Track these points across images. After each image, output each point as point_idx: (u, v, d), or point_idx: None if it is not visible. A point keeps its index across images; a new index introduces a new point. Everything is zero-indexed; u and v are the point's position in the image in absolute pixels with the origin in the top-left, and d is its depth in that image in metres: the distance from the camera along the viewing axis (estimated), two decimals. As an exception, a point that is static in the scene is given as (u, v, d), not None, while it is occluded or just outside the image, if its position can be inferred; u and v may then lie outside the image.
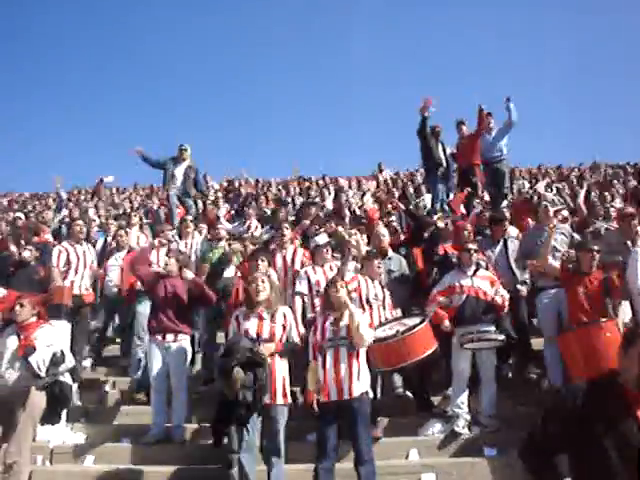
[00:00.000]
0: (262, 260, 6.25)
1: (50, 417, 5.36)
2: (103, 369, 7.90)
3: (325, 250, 6.56)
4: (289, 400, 5.14)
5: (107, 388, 7.35)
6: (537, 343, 7.13)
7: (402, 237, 8.07)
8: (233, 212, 12.47)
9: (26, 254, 7.64)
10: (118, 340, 8.33)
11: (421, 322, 5.58)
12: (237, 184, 16.20)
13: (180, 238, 8.46)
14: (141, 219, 10.28)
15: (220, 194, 14.36)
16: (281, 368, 5.16)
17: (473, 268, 6.13)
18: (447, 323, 5.91)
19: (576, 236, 7.10)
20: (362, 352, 5.00)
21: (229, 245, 7.56)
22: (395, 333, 5.46)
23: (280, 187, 16.11)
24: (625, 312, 6.03)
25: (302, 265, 6.90)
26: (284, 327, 5.25)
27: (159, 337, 6.11)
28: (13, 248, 8.01)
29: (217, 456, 5.17)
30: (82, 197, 14.76)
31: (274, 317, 5.24)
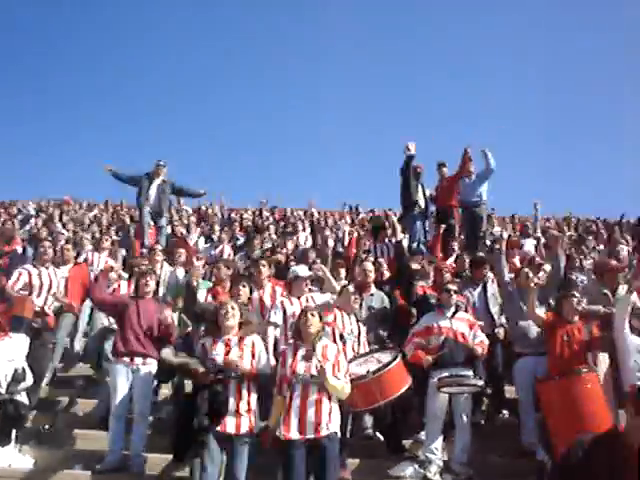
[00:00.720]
0: (243, 286, 6.05)
1: (1, 438, 5.02)
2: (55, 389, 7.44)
3: (305, 282, 6.37)
4: (252, 431, 4.90)
5: (60, 408, 6.96)
6: (509, 390, 7.07)
7: (386, 274, 7.92)
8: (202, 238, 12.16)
9: None
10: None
11: (394, 359, 5.40)
12: (208, 210, 15.92)
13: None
14: (113, 243, 9.90)
15: (193, 219, 14.08)
16: (248, 398, 4.93)
17: (452, 310, 6.04)
18: (429, 358, 5.77)
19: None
20: None
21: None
22: (366, 373, 5.27)
23: (255, 215, 15.86)
24: (604, 363, 5.92)
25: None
26: (253, 355, 5.05)
27: (126, 360, 5.80)
28: None
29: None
30: (50, 209, 14.24)
31: (241, 344, 5.05)
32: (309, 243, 11.49)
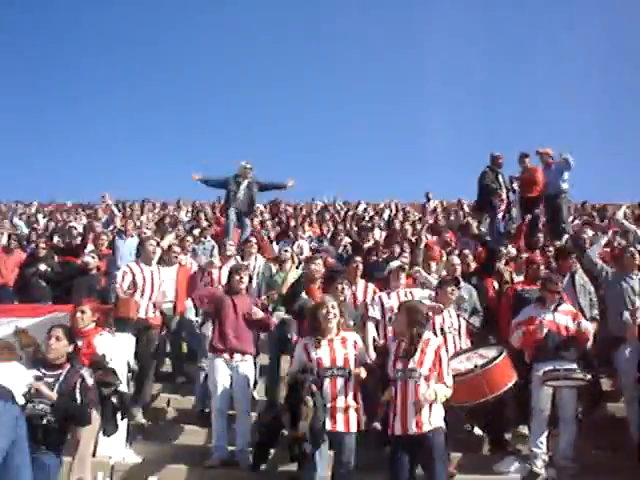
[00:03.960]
0: (344, 283, 6.08)
1: (109, 428, 5.21)
2: (157, 385, 7.67)
3: (398, 274, 6.38)
4: (360, 427, 4.98)
5: (164, 406, 7.19)
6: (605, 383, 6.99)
7: (473, 266, 7.86)
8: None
9: (89, 260, 7.52)
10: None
11: (500, 353, 5.37)
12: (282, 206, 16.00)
13: (242, 259, 8.27)
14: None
15: (267, 215, 14.25)
16: (354, 394, 5.00)
17: (555, 303, 5.94)
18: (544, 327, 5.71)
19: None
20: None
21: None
22: (474, 367, 5.25)
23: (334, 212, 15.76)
24: None
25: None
26: (356, 354, 5.09)
27: (226, 356, 5.94)
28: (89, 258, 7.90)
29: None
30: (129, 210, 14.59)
31: (345, 343, 5.09)
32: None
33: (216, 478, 5.59)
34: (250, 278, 6.65)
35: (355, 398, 5.02)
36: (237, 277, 6.19)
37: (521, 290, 6.81)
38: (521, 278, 7.42)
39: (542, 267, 7.02)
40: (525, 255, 8.20)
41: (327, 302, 5.20)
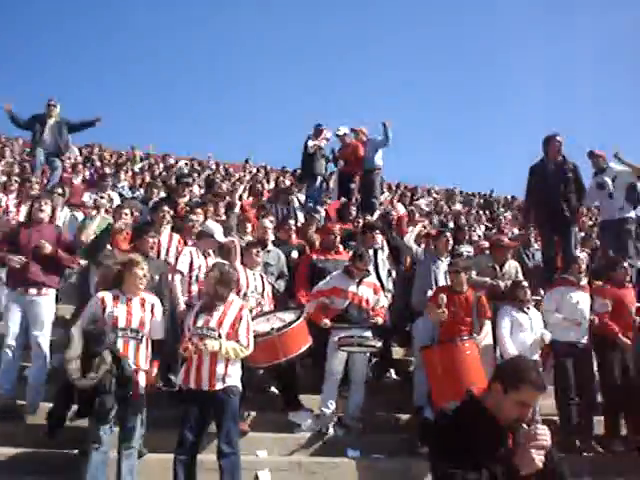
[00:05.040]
0: (152, 237, 5.91)
1: None
2: None
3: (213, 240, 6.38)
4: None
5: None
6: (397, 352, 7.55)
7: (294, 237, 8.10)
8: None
9: None
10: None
11: (297, 318, 5.57)
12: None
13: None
14: None
15: (80, 159, 13.44)
16: (146, 354, 4.90)
17: (362, 276, 6.22)
18: (327, 321, 5.98)
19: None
20: None
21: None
22: (270, 330, 5.40)
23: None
24: (487, 332, 6.39)
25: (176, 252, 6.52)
26: (152, 315, 4.95)
27: (20, 289, 5.53)
28: None
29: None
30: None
31: (144, 306, 4.93)
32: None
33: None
34: (53, 210, 6.12)
35: (146, 360, 4.89)
36: (36, 205, 5.78)
37: (316, 259, 6.96)
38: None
39: (335, 236, 7.20)
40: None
41: (139, 262, 4.95)
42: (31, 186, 7.85)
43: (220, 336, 4.75)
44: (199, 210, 7.22)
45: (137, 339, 4.80)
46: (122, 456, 4.61)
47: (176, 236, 6.74)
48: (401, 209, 11.32)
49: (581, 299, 6.59)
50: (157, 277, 5.75)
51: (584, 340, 6.51)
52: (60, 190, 8.11)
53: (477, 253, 8.36)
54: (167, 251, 6.54)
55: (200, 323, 4.81)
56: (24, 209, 6.69)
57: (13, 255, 5.48)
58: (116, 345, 4.66)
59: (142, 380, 4.80)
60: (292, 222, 8.29)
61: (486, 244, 8.48)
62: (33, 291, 5.52)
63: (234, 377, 4.81)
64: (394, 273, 7.49)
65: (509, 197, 18.51)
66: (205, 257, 6.19)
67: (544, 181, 8.23)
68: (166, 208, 6.91)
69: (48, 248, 5.53)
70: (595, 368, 6.62)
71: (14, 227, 5.88)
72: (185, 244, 6.64)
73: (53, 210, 6.01)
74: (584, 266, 6.84)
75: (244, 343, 4.86)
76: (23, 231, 5.69)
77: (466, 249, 8.45)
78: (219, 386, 4.70)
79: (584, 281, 6.80)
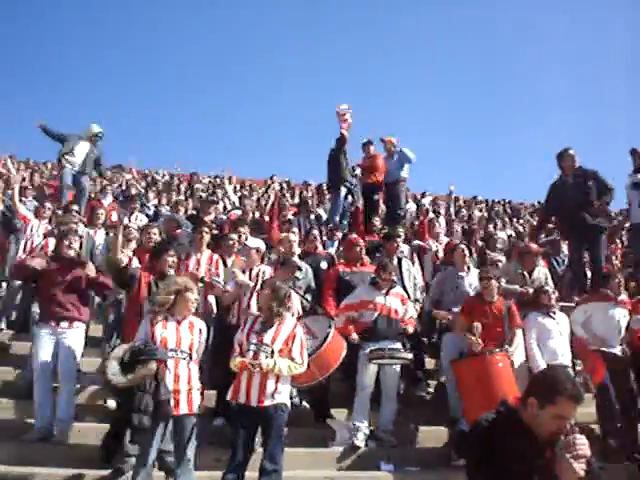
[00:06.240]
0: (171, 256, 5.89)
1: None
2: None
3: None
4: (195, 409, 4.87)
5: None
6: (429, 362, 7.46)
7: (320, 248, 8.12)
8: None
9: None
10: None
11: (327, 332, 5.53)
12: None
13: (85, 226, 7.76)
14: None
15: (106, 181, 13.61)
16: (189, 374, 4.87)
17: (388, 286, 6.21)
18: (355, 336, 5.95)
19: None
20: None
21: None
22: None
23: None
24: (519, 343, 6.27)
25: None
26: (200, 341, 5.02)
27: (52, 324, 5.60)
28: None
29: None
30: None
31: (192, 328, 4.98)
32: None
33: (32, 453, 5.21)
34: (81, 245, 6.25)
35: (198, 380, 4.92)
36: (66, 242, 5.85)
37: (342, 272, 6.93)
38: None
39: (360, 247, 7.16)
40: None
41: (193, 288, 5.03)
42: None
43: (273, 352, 4.76)
44: (242, 229, 7.31)
45: (187, 360, 4.85)
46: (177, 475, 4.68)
47: (216, 256, 6.74)
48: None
49: (617, 314, 6.54)
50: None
51: (619, 351, 6.44)
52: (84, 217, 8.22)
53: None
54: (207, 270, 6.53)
55: (254, 339, 4.83)
56: (52, 241, 6.72)
57: (31, 259, 5.74)
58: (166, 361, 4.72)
59: (197, 398, 4.83)
60: (316, 232, 8.20)
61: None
62: (64, 324, 5.61)
63: (284, 394, 4.81)
64: (420, 279, 7.42)
65: (536, 203, 18.29)
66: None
67: (565, 194, 8.15)
68: (205, 229, 6.92)
69: (93, 271, 5.73)
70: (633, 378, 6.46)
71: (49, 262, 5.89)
72: (224, 263, 6.68)
73: (80, 245, 6.13)
74: (622, 281, 6.78)
75: (298, 361, 4.87)
76: (53, 265, 5.76)
77: (497, 257, 8.42)
78: (268, 402, 4.70)
79: (623, 296, 6.72)
